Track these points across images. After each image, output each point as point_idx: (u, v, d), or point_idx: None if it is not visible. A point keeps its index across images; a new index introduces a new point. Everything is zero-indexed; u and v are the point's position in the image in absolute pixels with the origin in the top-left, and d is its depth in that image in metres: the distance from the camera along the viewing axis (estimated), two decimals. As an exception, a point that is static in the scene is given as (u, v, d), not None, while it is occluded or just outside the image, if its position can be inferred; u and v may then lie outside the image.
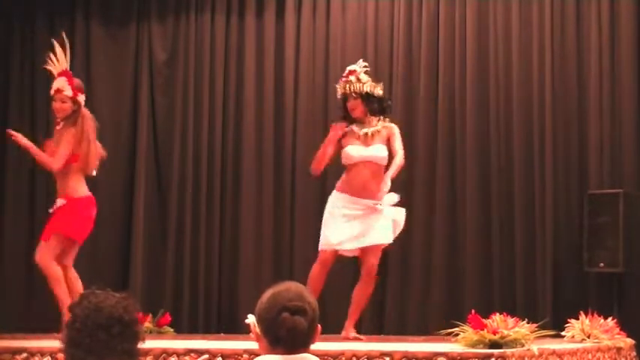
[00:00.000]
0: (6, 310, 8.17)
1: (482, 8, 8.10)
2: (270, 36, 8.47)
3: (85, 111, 6.36)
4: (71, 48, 8.55)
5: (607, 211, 7.42)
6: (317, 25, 8.43)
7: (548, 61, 7.89)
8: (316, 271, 6.29)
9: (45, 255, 6.20)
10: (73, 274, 6.34)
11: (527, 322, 5.28)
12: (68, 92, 6.34)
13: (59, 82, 6.43)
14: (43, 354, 5.10)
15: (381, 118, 6.44)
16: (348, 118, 6.42)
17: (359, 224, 6.23)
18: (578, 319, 6.11)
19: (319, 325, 2.71)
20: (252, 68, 8.46)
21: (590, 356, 5.63)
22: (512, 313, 5.46)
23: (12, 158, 8.51)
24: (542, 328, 5.35)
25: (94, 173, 6.39)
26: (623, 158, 7.73)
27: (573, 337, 5.99)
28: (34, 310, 8.20)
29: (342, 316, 6.42)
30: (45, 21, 8.65)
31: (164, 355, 5.14)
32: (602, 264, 7.40)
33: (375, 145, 6.33)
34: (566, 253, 7.76)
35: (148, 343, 5.39)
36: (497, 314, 5.24)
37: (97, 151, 6.34)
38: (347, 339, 6.18)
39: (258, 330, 2.69)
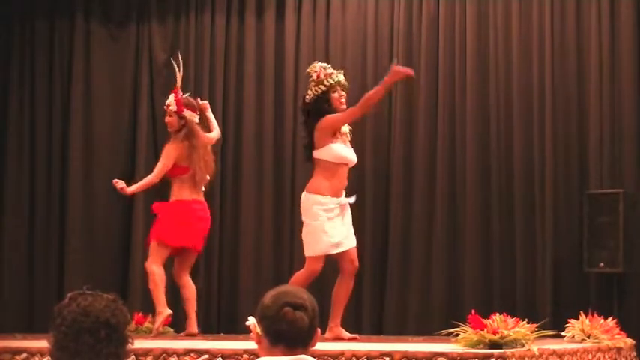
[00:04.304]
0: (6, 310, 8.18)
1: (482, 8, 8.10)
2: (270, 36, 8.47)
3: (196, 127, 6.84)
4: (71, 48, 8.65)
5: (607, 211, 7.42)
6: (317, 25, 8.43)
7: (548, 60, 7.89)
8: (303, 278, 6.12)
9: (149, 258, 6.84)
10: (186, 282, 6.86)
11: (527, 322, 5.27)
12: (173, 107, 6.83)
13: (169, 98, 6.92)
14: (43, 354, 5.10)
15: None
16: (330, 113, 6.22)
17: (343, 224, 6.19)
18: (578, 319, 6.10)
19: (319, 329, 2.73)
20: (252, 68, 8.46)
21: (590, 356, 5.63)
22: (512, 313, 5.45)
23: (12, 158, 8.51)
24: (542, 328, 5.34)
25: (203, 188, 6.87)
26: (623, 158, 7.73)
27: (573, 337, 5.98)
28: (34, 310, 8.21)
29: (342, 318, 6.40)
30: (45, 21, 8.65)
31: (164, 355, 5.13)
32: (602, 264, 7.40)
33: (352, 149, 6.32)
34: (566, 253, 7.76)
35: (148, 343, 5.43)
36: (497, 314, 5.23)
37: (206, 165, 6.81)
38: (342, 339, 6.14)
39: (258, 330, 2.70)
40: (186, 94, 7.04)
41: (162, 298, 6.74)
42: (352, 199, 6.28)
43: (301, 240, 6.24)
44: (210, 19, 8.54)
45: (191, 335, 6.72)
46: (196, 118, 6.91)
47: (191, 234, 6.80)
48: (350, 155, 6.25)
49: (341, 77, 6.29)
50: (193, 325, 6.82)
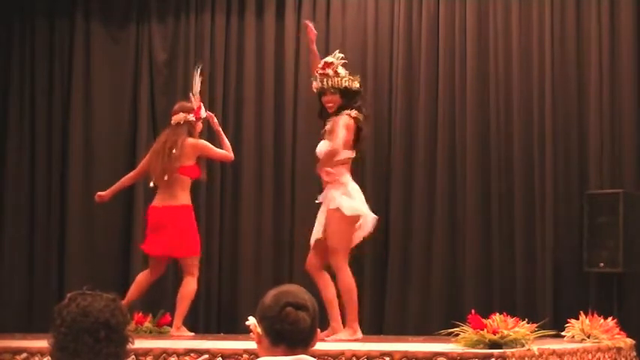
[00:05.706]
0: (6, 310, 8.18)
1: (483, 8, 8.11)
2: (270, 36, 8.47)
3: (165, 131, 7.06)
4: (71, 48, 8.64)
5: (607, 211, 7.43)
6: (317, 25, 8.40)
7: (548, 61, 7.90)
8: None
9: None
10: (184, 281, 6.95)
11: (527, 322, 5.28)
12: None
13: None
14: (43, 354, 5.10)
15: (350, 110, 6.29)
16: (324, 114, 6.37)
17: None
18: (578, 319, 6.11)
19: (318, 330, 2.73)
20: (252, 68, 8.46)
21: (590, 356, 5.64)
22: (512, 313, 5.46)
23: (12, 158, 8.51)
24: (542, 328, 5.35)
25: (152, 184, 7.06)
26: (623, 158, 7.73)
27: (573, 337, 5.99)
28: (34, 310, 8.21)
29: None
30: (45, 21, 8.65)
31: (164, 355, 5.14)
32: (602, 264, 7.40)
33: (321, 142, 6.34)
34: (566, 253, 7.76)
35: (148, 343, 5.43)
36: (497, 314, 5.24)
37: (154, 165, 6.95)
38: (340, 339, 6.12)
39: (259, 330, 2.70)
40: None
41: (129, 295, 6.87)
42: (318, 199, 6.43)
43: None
44: (210, 19, 8.54)
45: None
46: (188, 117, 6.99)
47: (147, 239, 7.04)
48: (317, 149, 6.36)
49: (335, 81, 6.29)
50: (175, 323, 6.88)
